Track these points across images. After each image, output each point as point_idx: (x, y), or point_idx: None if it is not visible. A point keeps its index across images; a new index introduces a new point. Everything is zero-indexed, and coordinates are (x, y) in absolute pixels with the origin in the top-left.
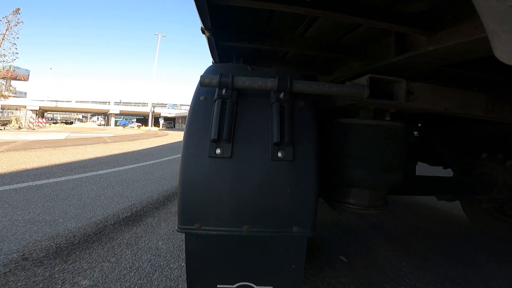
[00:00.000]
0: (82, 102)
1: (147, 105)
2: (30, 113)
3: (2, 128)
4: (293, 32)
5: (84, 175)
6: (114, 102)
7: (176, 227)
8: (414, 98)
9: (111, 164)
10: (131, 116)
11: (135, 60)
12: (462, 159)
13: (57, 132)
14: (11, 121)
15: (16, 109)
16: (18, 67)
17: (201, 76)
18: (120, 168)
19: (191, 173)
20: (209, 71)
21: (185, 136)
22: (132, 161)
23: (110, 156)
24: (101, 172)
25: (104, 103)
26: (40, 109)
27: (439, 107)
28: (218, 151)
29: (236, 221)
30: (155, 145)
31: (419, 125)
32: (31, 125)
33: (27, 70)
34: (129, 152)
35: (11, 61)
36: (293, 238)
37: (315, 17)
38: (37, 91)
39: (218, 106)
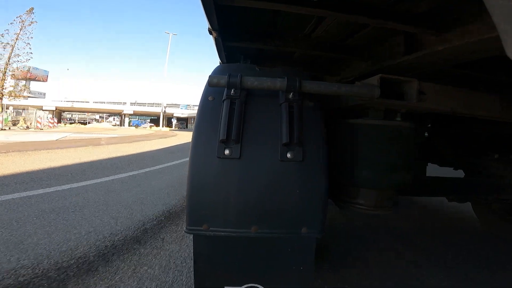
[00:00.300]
0: (99, 102)
1: (166, 107)
2: (41, 113)
3: (7, 128)
4: (300, 32)
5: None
6: (130, 103)
7: (184, 228)
8: (425, 98)
9: (72, 176)
10: (145, 117)
11: (150, 61)
12: (469, 159)
13: (60, 133)
14: (19, 121)
15: (24, 109)
16: (37, 68)
17: (210, 76)
18: (78, 185)
19: (199, 173)
20: (217, 72)
21: (194, 137)
22: (109, 171)
23: (86, 163)
24: (37, 192)
25: (120, 103)
26: (56, 109)
27: (450, 107)
28: (226, 151)
29: (245, 222)
30: (155, 148)
31: (429, 125)
32: (38, 125)
33: (45, 71)
34: (117, 157)
35: (25, 61)
36: (302, 239)
37: (322, 18)
38: (55, 92)
39: (227, 106)
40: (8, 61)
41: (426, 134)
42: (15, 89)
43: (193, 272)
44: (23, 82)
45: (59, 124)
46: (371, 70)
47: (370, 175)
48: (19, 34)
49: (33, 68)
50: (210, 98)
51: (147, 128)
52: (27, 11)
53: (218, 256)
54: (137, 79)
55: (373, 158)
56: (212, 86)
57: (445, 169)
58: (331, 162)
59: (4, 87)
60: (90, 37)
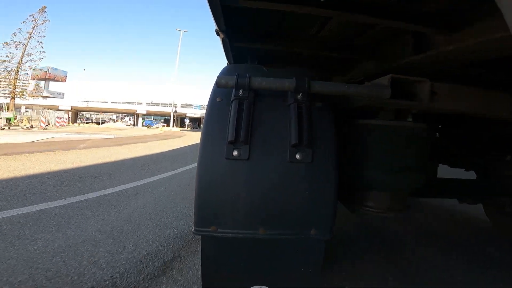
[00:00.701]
0: (115, 102)
1: (176, 106)
2: (49, 113)
3: (6, 127)
4: (307, 32)
5: None
6: (145, 103)
7: (192, 229)
8: (437, 99)
9: None
10: (159, 117)
11: (165, 62)
12: (481, 161)
13: (58, 133)
14: (22, 120)
15: (30, 109)
16: (56, 69)
17: (218, 77)
18: None
19: (208, 175)
20: (224, 72)
21: (202, 138)
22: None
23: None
24: None
25: (135, 103)
26: (72, 109)
27: (463, 107)
28: (235, 153)
29: (253, 223)
30: (143, 154)
31: (440, 126)
32: (42, 124)
33: (64, 71)
34: (56, 171)
35: (37, 60)
36: (311, 241)
37: (329, 17)
38: (73, 92)
39: (235, 107)
40: (21, 60)
41: (437, 134)
42: (26, 89)
43: (200, 273)
44: (38, 82)
45: (73, 123)
46: (380, 70)
47: (381, 176)
48: (31, 32)
49: (52, 68)
50: (218, 99)
51: (158, 128)
52: (39, 9)
53: (226, 257)
54: (153, 80)
55: (384, 160)
56: (220, 87)
57: (456, 170)
58: (341, 164)
59: (17, 86)
60: (107, 38)
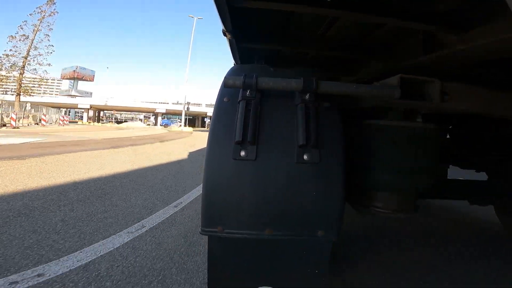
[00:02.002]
0: (138, 101)
1: (201, 106)
2: (53, 111)
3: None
4: (314, 32)
5: None
6: (172, 103)
7: (199, 230)
8: (448, 99)
9: None
10: (180, 116)
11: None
12: (492, 162)
13: (50, 134)
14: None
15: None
16: (84, 68)
17: (225, 77)
18: None
19: (215, 175)
20: (231, 72)
21: (210, 138)
22: None
23: None
24: None
25: (157, 102)
26: (91, 107)
27: (475, 108)
28: (242, 153)
29: (260, 224)
30: (106, 173)
31: (450, 126)
32: (44, 123)
33: (92, 70)
34: None
35: (44, 54)
36: (318, 242)
37: (336, 17)
38: (99, 91)
39: (243, 107)
40: (28, 54)
41: (447, 135)
42: (31, 86)
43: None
44: (73, 82)
45: (93, 123)
46: (388, 71)
47: (389, 177)
48: (39, 25)
49: (80, 67)
50: (225, 99)
51: (172, 128)
52: (48, 1)
53: (232, 258)
54: (173, 82)
55: (393, 160)
56: (228, 87)
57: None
58: (350, 164)
59: (22, 83)
60: (130, 35)
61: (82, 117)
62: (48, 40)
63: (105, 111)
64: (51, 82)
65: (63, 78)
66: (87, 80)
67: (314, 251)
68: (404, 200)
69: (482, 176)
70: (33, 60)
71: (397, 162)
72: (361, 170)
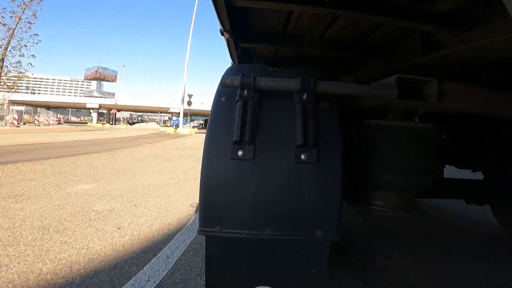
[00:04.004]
0: (149, 99)
1: (190, 104)
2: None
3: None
4: (313, 32)
5: None
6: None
7: (197, 229)
8: (446, 99)
9: None
10: (196, 116)
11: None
12: (488, 162)
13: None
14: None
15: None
16: (106, 68)
17: (223, 77)
18: None
19: (213, 175)
20: (229, 72)
21: (207, 138)
22: None
23: None
24: None
25: (171, 101)
26: (100, 107)
27: (473, 107)
28: (240, 153)
29: (258, 224)
30: None
31: (446, 126)
32: (36, 122)
33: (114, 71)
34: None
35: (28, 44)
36: (316, 242)
37: (335, 17)
38: (120, 92)
39: (240, 107)
40: (7, 45)
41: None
42: (12, 81)
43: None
44: (97, 82)
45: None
46: (392, 70)
47: (388, 177)
48: (21, 15)
49: (102, 67)
50: (223, 99)
51: (184, 129)
52: None
53: (230, 258)
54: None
55: (393, 160)
56: (225, 87)
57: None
58: (348, 164)
59: (0, 78)
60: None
61: (103, 118)
62: (29, 27)
63: (121, 111)
64: (75, 84)
65: (86, 79)
66: (109, 81)
67: (312, 250)
68: (403, 198)
69: (479, 175)
70: (14, 51)
71: (397, 161)
72: (361, 169)
